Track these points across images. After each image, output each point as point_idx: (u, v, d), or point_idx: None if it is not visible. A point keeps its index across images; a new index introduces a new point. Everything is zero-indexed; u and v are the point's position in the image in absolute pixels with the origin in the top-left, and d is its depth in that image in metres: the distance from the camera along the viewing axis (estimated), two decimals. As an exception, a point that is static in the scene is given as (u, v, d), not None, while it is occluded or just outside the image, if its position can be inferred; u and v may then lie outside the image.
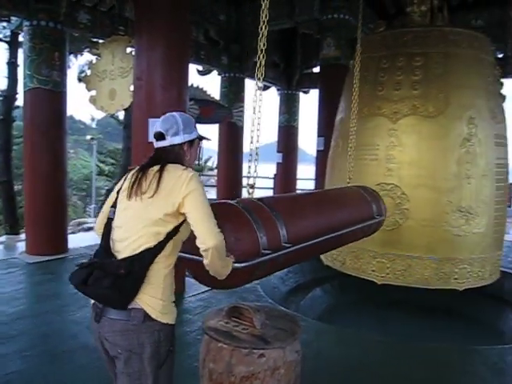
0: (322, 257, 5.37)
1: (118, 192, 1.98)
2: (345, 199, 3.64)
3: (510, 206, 13.62)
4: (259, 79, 2.66)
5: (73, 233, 10.55)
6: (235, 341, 2.20)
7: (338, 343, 4.01)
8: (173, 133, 1.95)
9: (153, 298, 1.80)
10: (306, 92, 12.67)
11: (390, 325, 5.26)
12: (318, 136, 7.94)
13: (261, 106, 2.67)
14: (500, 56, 9.13)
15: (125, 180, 1.98)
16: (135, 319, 1.77)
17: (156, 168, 1.87)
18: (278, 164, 12.07)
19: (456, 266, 4.57)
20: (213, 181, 17.02)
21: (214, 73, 9.90)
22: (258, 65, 2.64)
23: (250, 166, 2.60)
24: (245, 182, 12.42)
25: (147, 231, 1.80)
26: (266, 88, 12.13)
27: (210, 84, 9.03)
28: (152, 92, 4.83)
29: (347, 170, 4.42)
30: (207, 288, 5.14)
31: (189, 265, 2.10)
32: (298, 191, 12.16)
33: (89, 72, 6.80)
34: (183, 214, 1.82)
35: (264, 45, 2.65)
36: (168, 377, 1.93)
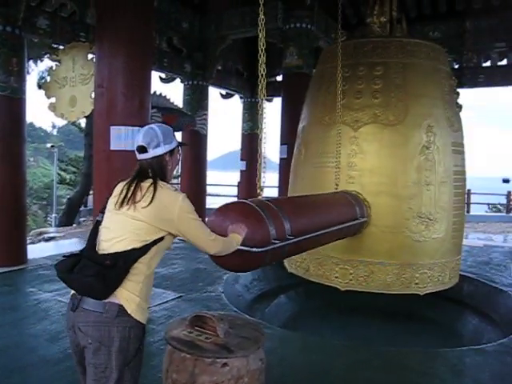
0: (286, 264, 5.40)
1: (107, 199, 2.09)
2: (334, 202, 4.32)
3: (468, 212, 14.07)
4: (262, 99, 3.16)
5: (32, 243, 10.27)
6: (198, 350, 2.18)
7: (302, 350, 4.03)
8: (154, 145, 2.06)
9: (131, 294, 1.90)
10: (269, 100, 12.74)
11: (354, 330, 5.32)
12: (281, 144, 7.99)
13: (265, 121, 3.24)
14: (456, 67, 9.44)
15: (114, 190, 2.09)
16: (109, 312, 1.85)
17: (149, 182, 1.99)
18: (241, 172, 12.09)
19: (417, 271, 4.67)
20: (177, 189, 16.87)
21: (177, 80, 9.85)
22: (260, 87, 3.14)
23: (258, 172, 3.09)
24: (209, 190, 12.40)
25: (135, 234, 1.92)
26: (229, 96, 12.18)
27: (173, 92, 8.99)
28: (113, 99, 4.77)
29: (314, 177, 4.51)
30: (171, 297, 5.13)
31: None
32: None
33: (48, 78, 6.66)
34: (176, 230, 1.99)
35: (264, 70, 3.17)
36: (134, 376, 1.97)
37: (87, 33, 7.17)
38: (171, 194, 1.99)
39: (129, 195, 1.96)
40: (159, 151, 2.06)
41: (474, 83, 9.57)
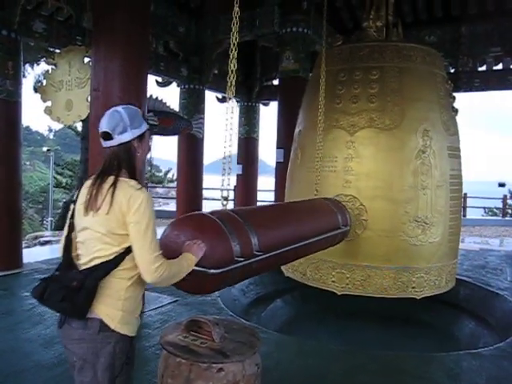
0: (282, 268, 5.39)
1: (74, 203, 1.92)
2: (312, 210, 3.95)
3: (464, 216, 14.11)
4: (231, 98, 2.93)
5: (28, 247, 10.23)
6: (194, 355, 2.16)
7: (298, 354, 4.01)
8: (120, 131, 1.84)
9: (111, 309, 1.80)
10: (265, 104, 12.78)
11: (350, 334, 5.32)
12: (278, 148, 7.99)
13: (232, 122, 2.88)
14: (452, 71, 9.47)
15: (79, 192, 1.92)
16: (91, 329, 1.78)
17: (110, 182, 1.79)
18: (238, 176, 12.08)
19: (413, 275, 4.67)
20: (173, 193, 16.87)
21: (174, 84, 9.85)
22: (229, 84, 2.64)
23: (223, 179, 2.75)
24: (205, 194, 12.38)
25: (105, 244, 1.78)
26: (225, 100, 12.17)
27: (170, 96, 8.98)
28: (109, 103, 4.73)
29: (310, 181, 4.47)
30: (167, 301, 5.10)
31: None
32: (258, 203, 12.20)
33: (44, 82, 6.64)
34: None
35: (234, 65, 2.72)
36: None
37: (83, 36, 7.15)
38: (132, 193, 1.76)
39: (90, 201, 1.79)
40: (126, 137, 1.84)
41: (469, 87, 9.59)
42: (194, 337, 2.34)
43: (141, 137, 1.91)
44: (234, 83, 2.78)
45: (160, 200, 22.51)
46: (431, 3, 9.24)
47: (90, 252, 1.81)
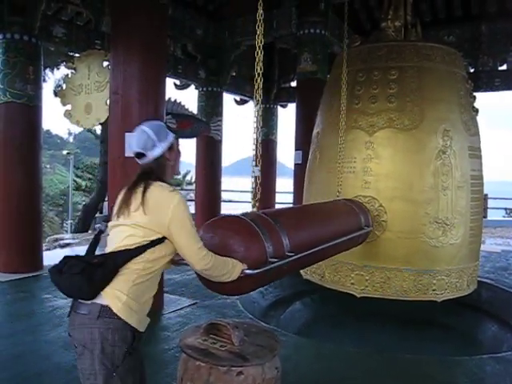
0: (301, 271, 5.36)
1: (112, 208, 2.05)
2: (336, 211, 4.01)
3: (485, 217, 13.89)
4: (259, 101, 2.75)
5: (48, 249, 10.34)
6: (213, 358, 2.15)
7: (317, 357, 3.98)
8: (150, 147, 1.98)
9: (118, 292, 1.82)
10: (283, 106, 12.76)
11: (370, 337, 5.26)
12: (296, 150, 7.97)
13: (260, 126, 2.88)
14: (472, 70, 9.35)
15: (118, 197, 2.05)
16: (91, 313, 1.80)
17: (142, 186, 1.92)
18: (256, 178, 12.03)
19: (434, 278, 4.60)
20: (192, 195, 16.94)
21: (192, 87, 9.90)
22: (256, 87, 2.66)
23: (253, 182, 2.80)
24: (224, 196, 12.40)
25: (129, 237, 1.87)
26: (244, 102, 12.19)
27: (188, 98, 9.01)
28: (128, 106, 4.79)
29: (329, 183, 4.44)
30: (186, 304, 5.11)
31: (200, 277, 2.20)
32: (276, 205, 12.17)
33: (64, 86, 6.72)
34: (168, 234, 1.89)
35: (261, 68, 2.70)
36: (125, 381, 1.86)
37: (102, 40, 7.24)
38: (166, 195, 1.90)
39: (123, 205, 1.92)
40: (157, 152, 1.99)
41: (490, 87, 9.45)
42: (213, 340, 2.33)
43: (170, 147, 2.04)
44: (261, 86, 2.82)
45: (178, 202, 22.52)
46: (450, 2, 9.14)
47: (116, 242, 1.90)
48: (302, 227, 3.13)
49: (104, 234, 2.06)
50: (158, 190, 1.91)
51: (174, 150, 2.07)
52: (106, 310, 1.80)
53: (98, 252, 1.98)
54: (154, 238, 1.88)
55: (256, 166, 2.79)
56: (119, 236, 1.91)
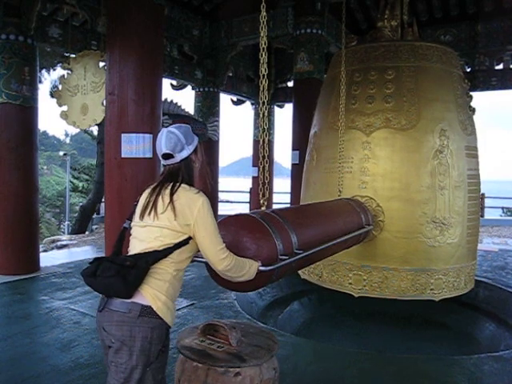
0: (299, 271, 5.35)
1: (135, 206, 2.11)
2: (338, 210, 4.07)
3: (482, 216, 13.92)
4: (265, 102, 2.73)
5: (45, 251, 10.30)
6: (211, 359, 2.15)
7: (315, 357, 3.97)
8: (179, 150, 2.05)
9: (157, 292, 1.91)
10: (280, 106, 12.77)
11: (368, 336, 5.27)
12: (293, 150, 7.97)
13: (267, 127, 2.89)
14: (468, 70, 9.37)
15: (140, 196, 2.11)
16: (132, 312, 1.86)
17: (170, 188, 1.99)
18: (253, 178, 12.06)
19: (431, 277, 4.60)
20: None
21: (189, 87, 9.89)
22: (261, 88, 2.66)
23: (261, 180, 2.90)
24: (221, 196, 12.40)
25: (157, 240, 1.95)
26: (240, 102, 12.19)
27: (185, 99, 9.01)
28: (124, 107, 4.78)
29: (326, 183, 4.42)
30: (183, 305, 5.10)
31: (210, 271, 2.27)
32: (274, 205, 12.17)
33: (60, 87, 6.70)
34: (193, 234, 1.97)
35: (265, 70, 2.70)
36: (156, 379, 1.95)
37: (98, 41, 7.21)
38: (192, 196, 1.98)
39: (150, 206, 1.98)
40: (185, 154, 2.07)
41: (486, 86, 9.48)
42: (210, 341, 2.33)
43: (195, 150, 2.13)
44: (266, 87, 2.78)
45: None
46: (446, 1, 9.16)
47: (143, 244, 1.97)
48: (308, 225, 3.20)
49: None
50: (184, 192, 1.98)
51: (198, 152, 2.15)
52: (147, 310, 1.88)
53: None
54: (180, 239, 1.95)
55: (263, 165, 2.88)
56: (147, 237, 1.97)
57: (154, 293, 1.90)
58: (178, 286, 2.03)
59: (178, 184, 2.01)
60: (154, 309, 1.88)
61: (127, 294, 1.86)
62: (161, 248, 1.93)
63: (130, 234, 2.09)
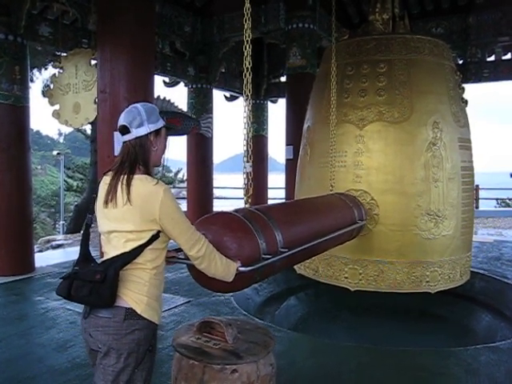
0: (295, 266, 5.35)
1: (94, 198, 2.02)
2: (329, 205, 3.98)
3: (477, 208, 13.98)
4: (249, 96, 2.70)
5: (40, 251, 10.27)
6: (207, 357, 2.14)
7: (313, 352, 3.98)
8: (137, 124, 1.91)
9: (137, 294, 1.87)
10: (274, 101, 12.75)
11: (365, 330, 5.27)
12: (287, 145, 7.96)
13: (250, 121, 2.83)
14: (460, 62, 9.37)
15: (98, 188, 2.00)
16: (117, 316, 1.83)
17: (126, 178, 1.87)
18: (247, 174, 12.02)
19: (427, 269, 4.61)
20: (184, 193, 16.90)
21: (181, 84, 9.86)
22: (245, 81, 2.63)
23: (245, 178, 2.78)
24: (216, 193, 12.37)
25: (124, 237, 1.86)
26: (233, 98, 12.16)
27: (177, 95, 8.98)
28: (117, 105, 4.76)
29: (320, 177, 4.41)
30: (180, 302, 5.09)
31: (191, 270, 2.20)
32: (269, 201, 12.17)
33: (52, 86, 6.66)
34: (160, 227, 1.88)
35: (249, 63, 2.68)
36: (145, 379, 1.94)
37: (89, 39, 7.18)
38: (151, 189, 1.85)
39: (109, 196, 1.87)
40: (142, 131, 1.91)
41: (478, 78, 9.48)
42: (206, 338, 2.32)
43: (157, 132, 1.98)
44: (250, 81, 2.73)
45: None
46: (437, -6, 9.15)
47: (114, 247, 1.89)
48: (295, 222, 3.09)
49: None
50: (142, 184, 1.85)
51: (160, 137, 2.00)
52: (130, 313, 1.84)
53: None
54: (148, 236, 1.86)
55: (247, 161, 2.75)
56: (116, 244, 1.89)
57: (136, 296, 1.86)
58: (159, 283, 1.96)
59: (132, 175, 1.87)
60: (138, 312, 1.85)
61: (107, 305, 1.82)
62: (128, 249, 1.85)
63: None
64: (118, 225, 1.87)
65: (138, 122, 1.91)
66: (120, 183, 1.86)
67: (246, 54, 2.72)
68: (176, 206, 1.90)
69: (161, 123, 1.99)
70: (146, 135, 1.93)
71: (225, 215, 2.49)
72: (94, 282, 1.79)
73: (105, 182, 1.94)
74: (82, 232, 2.05)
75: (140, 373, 1.90)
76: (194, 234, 1.92)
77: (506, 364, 3.63)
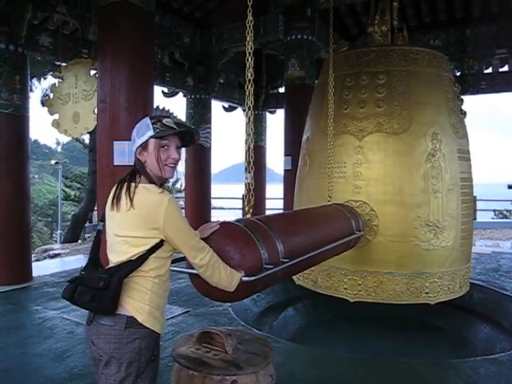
0: (293, 277, 5.33)
1: (104, 206, 2.02)
2: (327, 216, 3.98)
3: (474, 219, 13.99)
4: (250, 107, 2.72)
5: (38, 260, 10.25)
6: (206, 367, 2.13)
7: (311, 363, 3.95)
8: (132, 143, 1.97)
9: (139, 303, 1.87)
10: (272, 112, 12.80)
11: (364, 341, 5.24)
12: (285, 155, 7.98)
13: (252, 132, 2.94)
14: (458, 74, 9.44)
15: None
16: (118, 325, 1.83)
17: (129, 186, 1.89)
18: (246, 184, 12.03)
19: (426, 281, 4.60)
20: (182, 203, 16.90)
21: (180, 94, 9.90)
22: (247, 93, 2.65)
23: (247, 187, 2.82)
24: (214, 203, 12.37)
25: (129, 244, 1.87)
26: (232, 109, 12.20)
27: (176, 106, 9.01)
28: (116, 114, 4.77)
29: (319, 188, 4.41)
30: (178, 312, 5.07)
31: (193, 279, 2.21)
32: (267, 211, 12.16)
33: (51, 95, 6.68)
34: (164, 236, 1.88)
35: (251, 74, 2.70)
36: None
37: (89, 49, 7.21)
38: (155, 198, 1.86)
39: (114, 201, 1.90)
40: (134, 148, 1.96)
41: (476, 90, 9.56)
42: (206, 349, 2.31)
43: (144, 145, 1.94)
44: (252, 92, 2.76)
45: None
46: (435, 7, 9.24)
47: (117, 253, 1.90)
48: (295, 233, 3.10)
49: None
50: (146, 193, 1.87)
51: (147, 149, 1.94)
52: (132, 321, 1.84)
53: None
54: (152, 244, 1.87)
55: (249, 172, 2.79)
56: (120, 250, 1.90)
57: (137, 304, 1.86)
58: (162, 292, 1.96)
59: (134, 184, 1.89)
60: (140, 321, 1.85)
61: (108, 312, 1.83)
62: (135, 257, 1.86)
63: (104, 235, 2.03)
64: (121, 230, 1.89)
65: (132, 141, 1.98)
66: (124, 189, 1.89)
67: (248, 65, 2.74)
68: (180, 215, 1.91)
69: (147, 135, 1.92)
70: (137, 149, 1.96)
71: (227, 225, 2.47)
72: (98, 288, 1.81)
73: (112, 191, 1.98)
74: (93, 238, 2.09)
75: (142, 382, 1.89)
76: (198, 243, 1.93)
77: (506, 376, 3.61)
